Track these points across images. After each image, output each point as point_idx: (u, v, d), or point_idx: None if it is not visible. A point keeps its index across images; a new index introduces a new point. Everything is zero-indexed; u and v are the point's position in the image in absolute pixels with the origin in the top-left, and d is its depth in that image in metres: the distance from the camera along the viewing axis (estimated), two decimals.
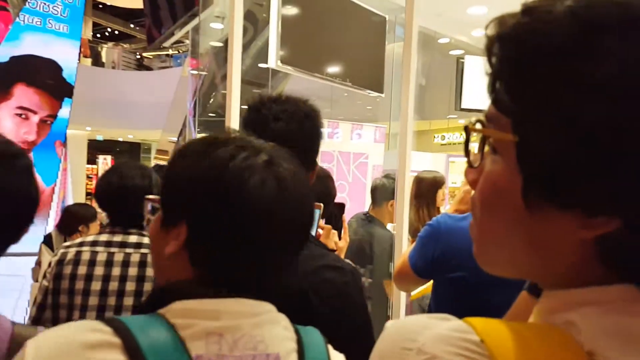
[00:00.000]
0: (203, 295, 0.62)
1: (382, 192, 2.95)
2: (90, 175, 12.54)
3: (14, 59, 4.78)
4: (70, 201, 5.99)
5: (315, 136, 1.05)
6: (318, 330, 0.71)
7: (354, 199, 3.69)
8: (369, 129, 3.75)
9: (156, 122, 10.07)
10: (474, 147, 0.47)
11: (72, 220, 3.07)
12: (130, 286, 1.42)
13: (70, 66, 5.23)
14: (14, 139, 0.92)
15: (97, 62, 13.49)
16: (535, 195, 0.40)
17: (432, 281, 1.45)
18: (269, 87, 6.13)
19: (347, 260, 1.04)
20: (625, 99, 0.36)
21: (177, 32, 2.98)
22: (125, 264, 1.43)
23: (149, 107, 10.93)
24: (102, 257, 1.44)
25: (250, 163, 0.64)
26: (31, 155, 4.81)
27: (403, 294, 1.89)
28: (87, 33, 14.07)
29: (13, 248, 0.85)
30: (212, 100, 5.50)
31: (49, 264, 1.45)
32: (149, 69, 14.42)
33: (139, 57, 14.92)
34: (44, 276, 1.43)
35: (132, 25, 18.82)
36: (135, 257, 1.45)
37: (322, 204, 1.20)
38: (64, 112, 5.21)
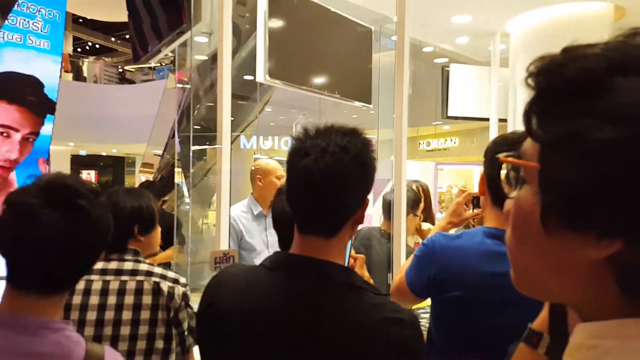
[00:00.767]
0: None
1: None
2: None
3: None
4: None
5: None
6: None
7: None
8: None
9: (140, 136, 9.97)
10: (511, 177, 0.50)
11: None
12: (126, 315, 1.37)
13: (52, 82, 5.14)
14: None
15: (78, 76, 13.32)
16: (553, 219, 0.43)
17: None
18: (257, 99, 6.11)
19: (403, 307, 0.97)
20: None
21: (164, 49, 2.95)
22: (121, 292, 1.39)
23: (133, 121, 10.82)
24: (97, 285, 1.39)
25: None
26: (13, 174, 4.71)
27: None
28: (68, 47, 13.91)
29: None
30: (196, 112, 5.46)
31: None
32: (131, 82, 14.30)
33: (121, 70, 14.78)
34: None
35: (113, 39, 18.68)
36: (131, 285, 1.41)
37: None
38: (46, 128, 5.11)
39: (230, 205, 2.65)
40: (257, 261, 1.00)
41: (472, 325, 1.23)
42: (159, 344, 1.40)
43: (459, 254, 1.26)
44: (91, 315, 1.37)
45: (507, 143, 1.27)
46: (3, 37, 4.76)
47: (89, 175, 13.18)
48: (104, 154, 15.85)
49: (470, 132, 11.64)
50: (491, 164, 1.27)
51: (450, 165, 9.73)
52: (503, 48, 5.32)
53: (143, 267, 1.45)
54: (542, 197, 0.43)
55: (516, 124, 4.87)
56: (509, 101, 5.16)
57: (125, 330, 1.36)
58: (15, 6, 3.84)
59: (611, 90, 0.40)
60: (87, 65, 14.06)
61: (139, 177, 10.37)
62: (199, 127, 5.51)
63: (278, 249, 1.20)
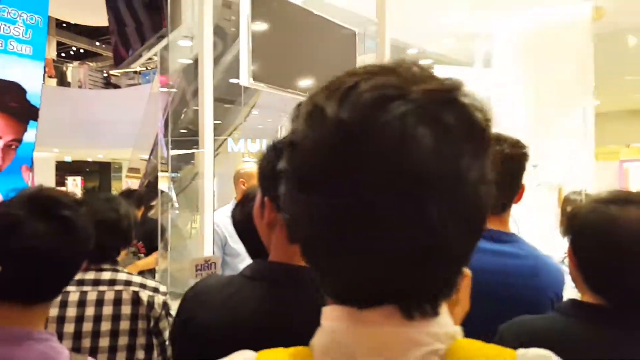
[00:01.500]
0: None
1: None
2: None
3: None
4: None
5: None
6: None
7: None
8: None
9: (126, 141, 9.86)
10: None
11: None
12: (105, 326, 1.34)
13: (35, 88, 5.07)
14: None
15: (62, 81, 13.15)
16: None
17: None
18: (242, 102, 6.08)
19: None
20: None
21: (145, 53, 2.92)
22: (99, 302, 1.36)
23: (118, 126, 10.71)
24: (74, 297, 1.36)
25: None
26: None
27: None
28: (52, 53, 13.73)
29: None
30: (182, 116, 5.42)
31: None
32: (116, 86, 14.15)
33: (106, 75, 14.63)
34: None
35: (97, 43, 18.48)
36: (109, 295, 1.38)
37: None
38: (29, 135, 5.04)
39: (216, 210, 2.61)
40: (242, 266, 0.98)
41: None
42: (140, 354, 1.37)
43: None
44: (69, 328, 1.34)
45: None
46: None
47: (74, 182, 13.01)
48: (89, 159, 15.67)
49: None
50: None
51: None
52: (487, 49, 5.35)
53: (122, 276, 1.42)
54: None
55: (501, 125, 4.89)
56: (491, 102, 5.19)
57: (104, 342, 1.33)
58: None
59: None
60: (72, 70, 13.89)
61: (125, 182, 10.26)
62: (185, 130, 5.47)
63: None
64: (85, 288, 1.38)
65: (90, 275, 1.41)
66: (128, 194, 4.72)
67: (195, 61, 2.96)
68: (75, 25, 13.80)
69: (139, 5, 2.96)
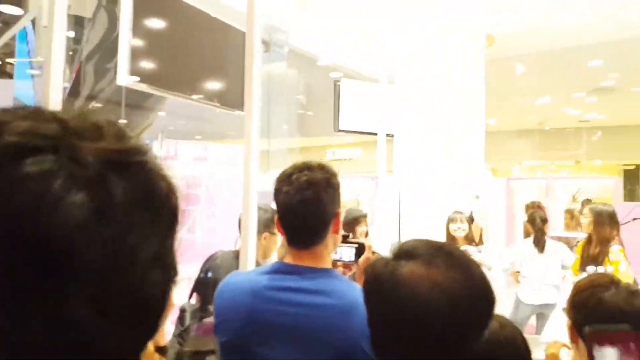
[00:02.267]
0: None
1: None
2: None
3: None
4: None
5: None
6: None
7: (227, 230, 3.52)
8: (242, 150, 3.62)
9: None
10: None
11: None
12: None
13: None
14: None
15: None
16: None
17: None
18: (150, 107, 5.76)
19: None
20: None
21: None
22: None
23: None
24: None
25: None
26: None
27: None
28: None
29: None
30: None
31: None
32: None
33: None
34: None
35: None
36: None
37: None
38: None
39: None
40: None
41: None
42: None
43: (227, 294, 1.18)
44: None
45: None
46: None
47: None
48: None
49: (372, 143, 12.03)
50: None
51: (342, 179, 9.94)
52: (392, 65, 5.51)
53: None
54: None
55: (402, 139, 5.05)
56: (396, 117, 5.35)
57: None
58: None
59: None
60: None
61: None
62: None
63: None
64: None
65: None
66: None
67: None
68: None
69: None
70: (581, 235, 3.88)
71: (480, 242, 3.81)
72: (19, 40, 3.74)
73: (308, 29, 4.70)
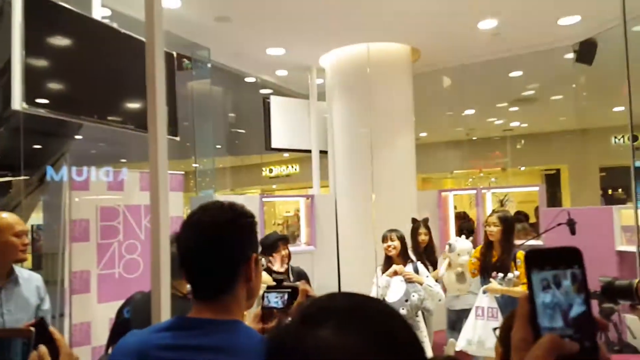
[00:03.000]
0: None
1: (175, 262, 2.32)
2: None
3: None
4: None
5: None
6: None
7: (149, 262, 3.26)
8: None
9: None
10: None
11: None
12: None
13: None
14: None
15: None
16: None
17: None
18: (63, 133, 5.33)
19: None
20: None
21: None
22: None
23: None
24: None
25: None
26: None
27: None
28: None
29: None
30: None
31: None
32: None
33: None
34: None
35: None
36: None
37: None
38: None
39: None
40: None
41: None
42: None
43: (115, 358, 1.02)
44: None
45: None
46: None
47: None
48: None
49: (309, 158, 11.97)
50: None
51: (276, 198, 9.80)
52: (321, 82, 5.45)
53: None
54: None
55: (335, 155, 4.98)
56: (327, 134, 5.28)
57: None
58: None
59: None
60: None
61: None
62: None
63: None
64: None
65: None
66: None
67: None
68: None
69: None
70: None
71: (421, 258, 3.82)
72: None
73: (234, 44, 4.53)
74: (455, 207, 6.36)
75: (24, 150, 3.99)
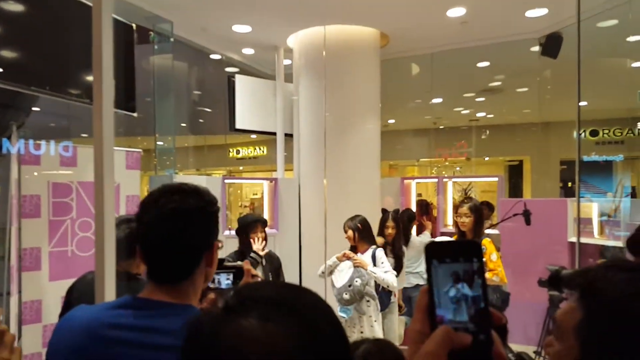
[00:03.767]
0: None
1: (131, 240, 1.96)
2: None
3: None
4: None
5: None
6: None
7: None
8: (118, 154, 3.23)
9: None
10: None
11: None
12: None
13: None
14: None
15: None
16: None
17: None
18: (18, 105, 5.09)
19: None
20: None
21: None
22: None
23: None
24: None
25: None
26: None
27: None
28: None
29: None
30: None
31: None
32: None
33: None
34: None
35: None
36: None
37: None
38: None
39: None
40: None
41: None
42: None
43: (61, 332, 0.96)
44: None
45: None
46: None
47: None
48: None
49: (276, 140, 11.83)
50: None
51: (239, 180, 9.67)
52: (289, 63, 5.35)
53: None
54: None
55: (300, 139, 4.92)
56: (293, 116, 5.20)
57: None
58: None
59: None
60: None
61: None
62: None
63: None
64: None
65: None
66: None
67: None
68: None
69: None
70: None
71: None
72: None
73: (199, 19, 4.38)
74: (420, 195, 6.46)
75: None
